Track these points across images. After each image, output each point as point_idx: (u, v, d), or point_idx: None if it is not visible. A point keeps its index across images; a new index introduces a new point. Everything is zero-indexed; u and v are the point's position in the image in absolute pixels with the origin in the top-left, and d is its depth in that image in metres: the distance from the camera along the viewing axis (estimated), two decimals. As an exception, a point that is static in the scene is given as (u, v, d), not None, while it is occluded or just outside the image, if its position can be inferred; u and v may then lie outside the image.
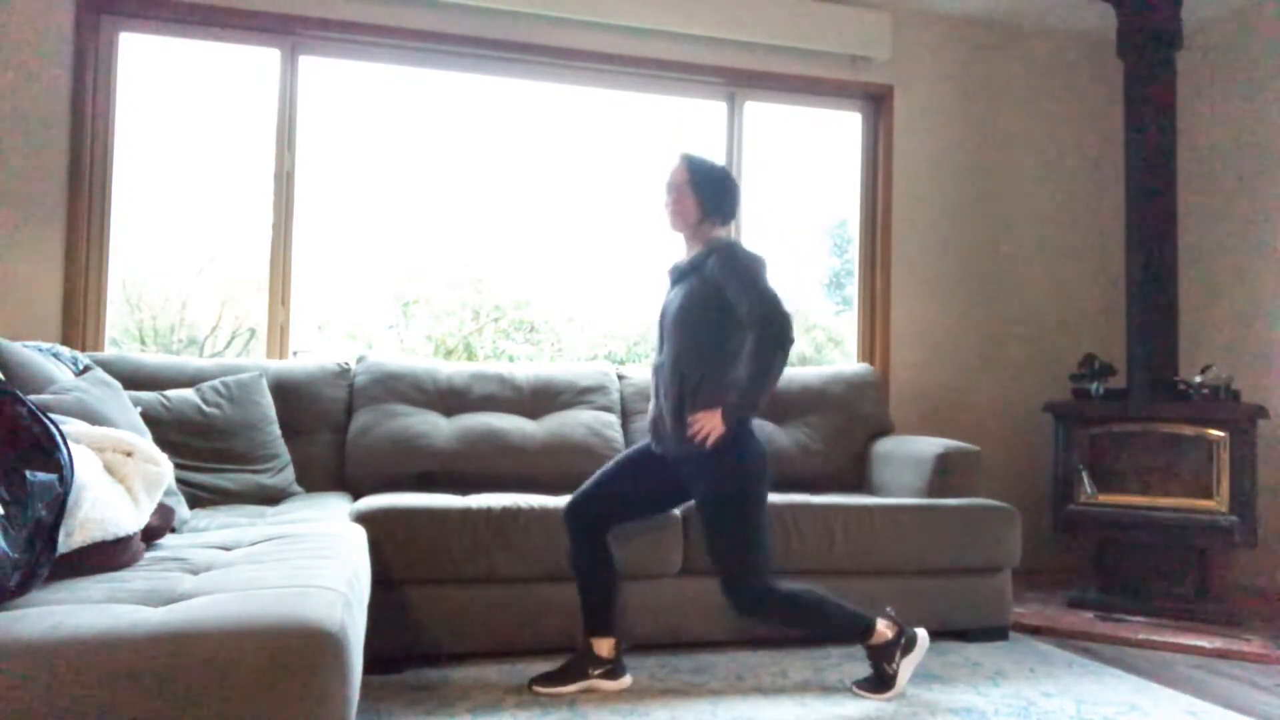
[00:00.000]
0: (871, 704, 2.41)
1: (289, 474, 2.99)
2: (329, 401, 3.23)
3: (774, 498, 2.91)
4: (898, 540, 2.95)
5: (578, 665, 2.48)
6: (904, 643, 2.48)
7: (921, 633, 2.54)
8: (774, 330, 2.33)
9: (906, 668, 2.47)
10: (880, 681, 2.46)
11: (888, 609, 2.58)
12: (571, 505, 2.58)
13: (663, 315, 2.61)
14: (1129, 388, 3.71)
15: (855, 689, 2.50)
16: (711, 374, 2.45)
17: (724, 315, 2.45)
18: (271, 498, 2.87)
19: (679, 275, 2.60)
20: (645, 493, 2.62)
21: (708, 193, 2.57)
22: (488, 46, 3.71)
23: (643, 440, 2.68)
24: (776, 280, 2.46)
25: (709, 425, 2.38)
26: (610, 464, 2.64)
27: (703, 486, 2.45)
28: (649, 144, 4.13)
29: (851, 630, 2.46)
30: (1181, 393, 3.54)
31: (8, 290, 3.25)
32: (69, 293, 3.30)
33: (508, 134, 3.96)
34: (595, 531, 2.55)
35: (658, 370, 2.59)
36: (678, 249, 2.69)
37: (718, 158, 4.10)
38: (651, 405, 2.62)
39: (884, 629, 2.48)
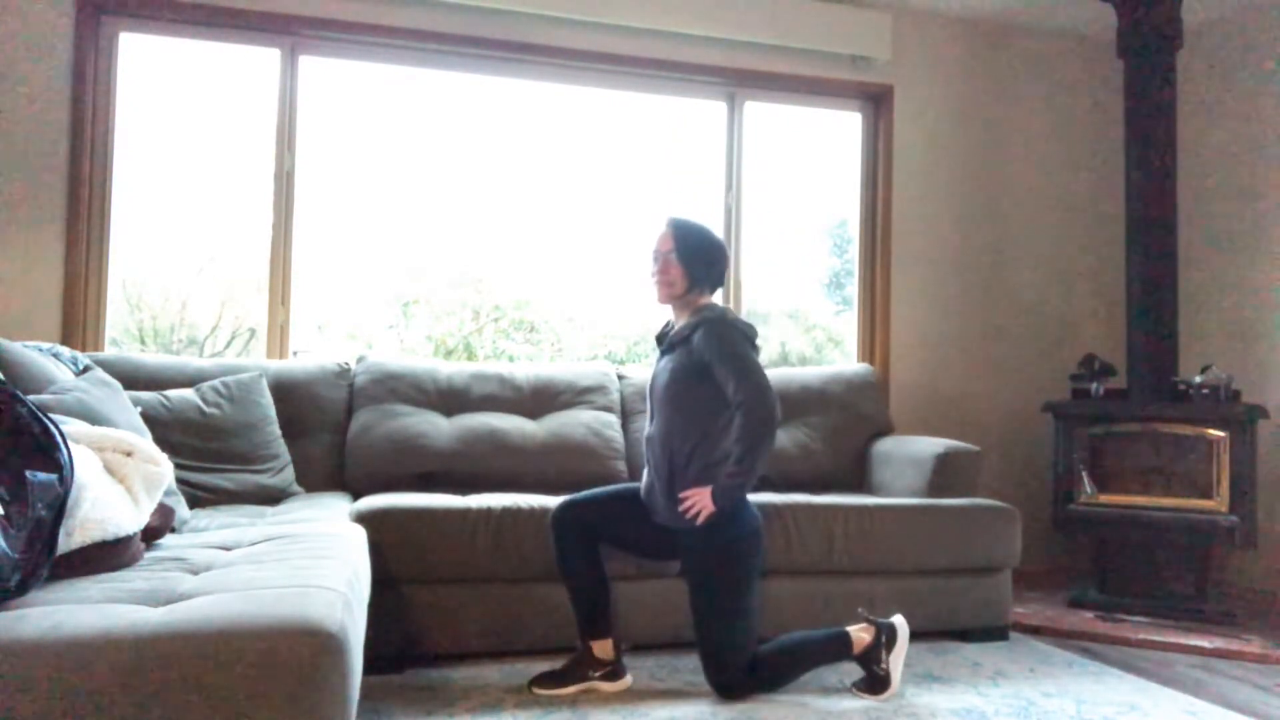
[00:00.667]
0: (871, 703, 2.41)
1: (289, 474, 2.99)
2: (329, 401, 3.23)
3: (774, 498, 2.92)
4: (898, 540, 2.95)
5: (577, 668, 2.47)
6: (885, 640, 2.47)
7: (898, 621, 2.52)
8: (759, 415, 2.34)
9: (896, 663, 2.46)
10: (875, 683, 2.46)
11: (859, 610, 2.59)
12: (564, 507, 2.56)
13: (652, 385, 2.60)
14: (1129, 388, 3.71)
15: (854, 690, 2.50)
16: (702, 448, 2.45)
17: (712, 389, 2.44)
18: (271, 498, 2.87)
19: (668, 346, 2.57)
20: (643, 535, 2.59)
21: (695, 261, 2.54)
22: (488, 46, 3.71)
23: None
24: (761, 360, 2.49)
25: (700, 504, 2.38)
26: (619, 487, 2.63)
27: (693, 561, 2.46)
28: (649, 144, 4.13)
29: (833, 652, 2.46)
30: (1181, 393, 3.54)
31: (8, 290, 3.25)
32: (69, 293, 3.30)
33: (507, 134, 3.96)
34: (585, 536, 2.53)
35: (649, 442, 2.58)
36: (665, 315, 2.68)
37: (718, 158, 4.12)
38: (645, 474, 2.60)
39: (861, 634, 2.47)
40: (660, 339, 2.65)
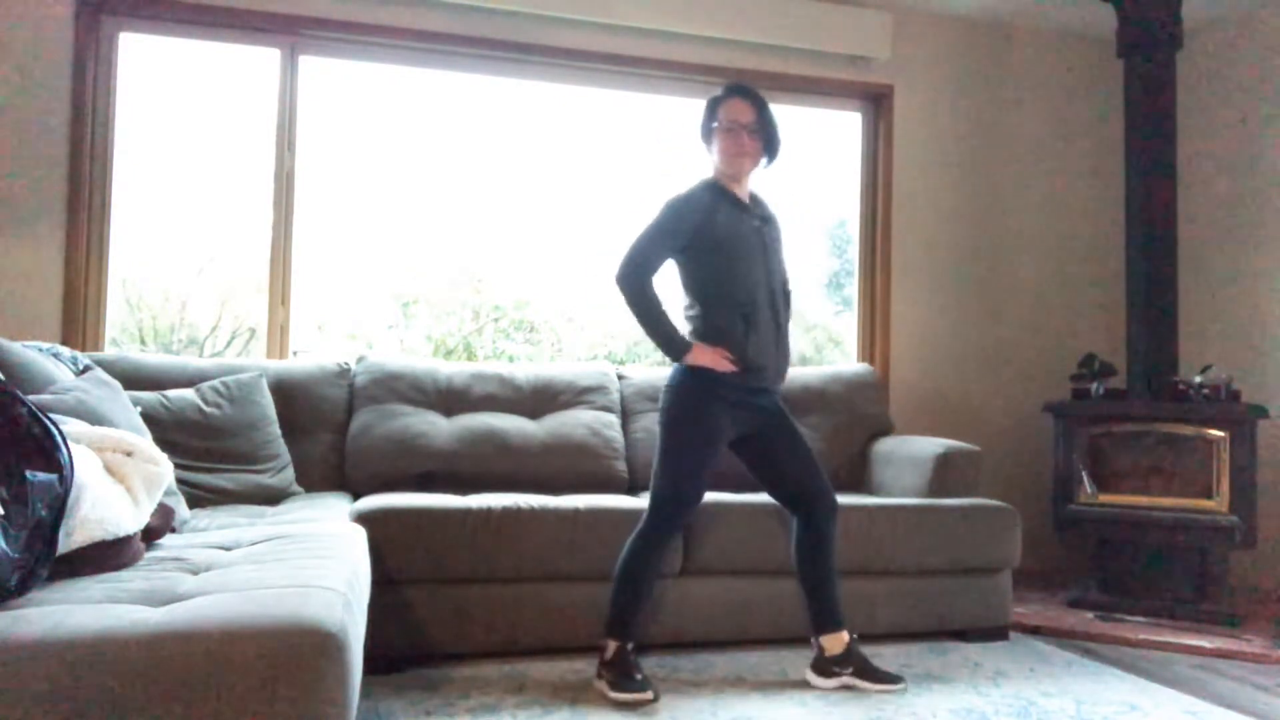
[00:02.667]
0: (871, 703, 2.41)
1: (289, 474, 2.99)
2: (329, 401, 3.23)
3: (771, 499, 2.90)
4: (898, 540, 2.95)
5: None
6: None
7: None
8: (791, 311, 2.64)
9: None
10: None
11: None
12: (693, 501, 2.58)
13: (751, 243, 2.52)
14: (1129, 388, 3.71)
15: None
16: None
17: None
18: (271, 498, 2.87)
19: (764, 217, 2.59)
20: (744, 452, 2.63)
21: (773, 134, 2.58)
22: (488, 46, 3.71)
23: (695, 432, 2.49)
24: None
25: None
26: (707, 454, 2.50)
27: (780, 416, 2.58)
28: (649, 144, 4.12)
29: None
30: (1181, 393, 3.54)
31: (8, 290, 3.25)
32: (69, 293, 3.30)
33: (507, 134, 3.96)
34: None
35: (771, 298, 2.54)
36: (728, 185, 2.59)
37: (718, 158, 4.11)
38: (756, 338, 2.49)
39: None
40: (734, 200, 2.55)
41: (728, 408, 2.49)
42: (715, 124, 2.56)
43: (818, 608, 2.57)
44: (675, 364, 2.53)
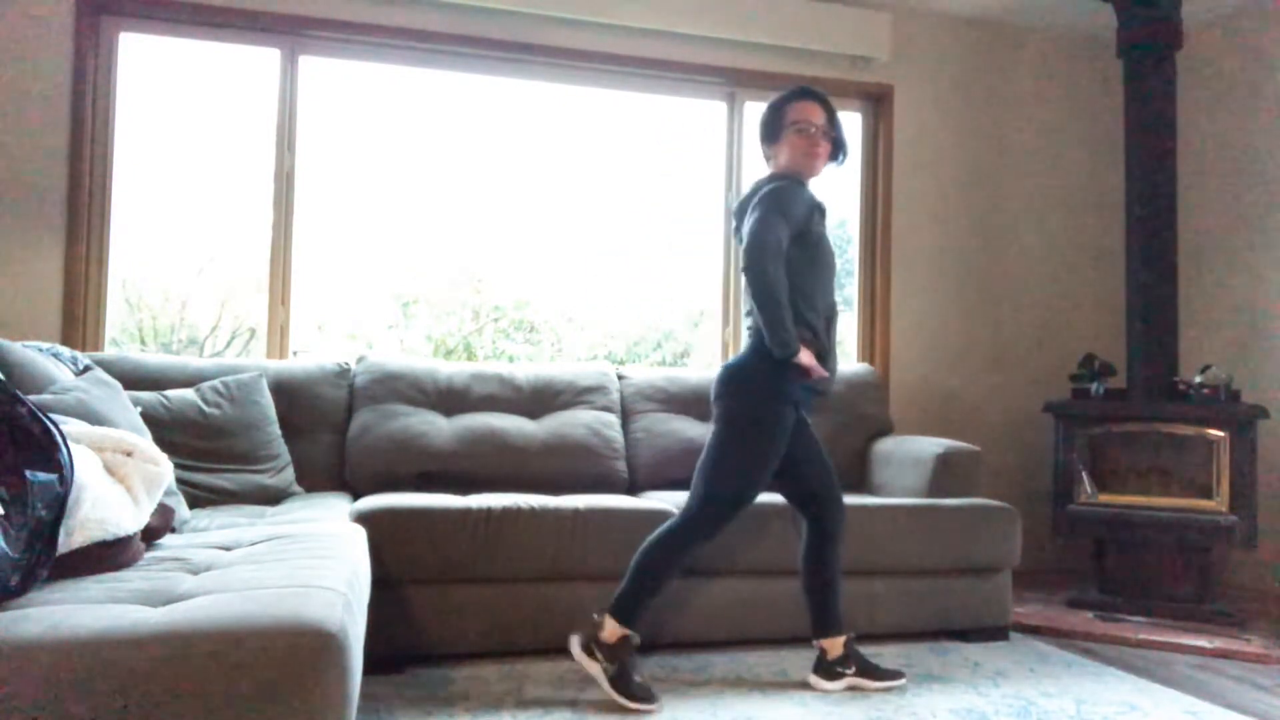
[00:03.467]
0: (871, 703, 2.41)
1: (289, 474, 2.99)
2: (329, 401, 3.23)
3: (774, 499, 2.91)
4: (898, 540, 2.95)
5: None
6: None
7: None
8: None
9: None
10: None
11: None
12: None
13: (831, 250, 2.55)
14: (1129, 388, 3.71)
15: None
16: None
17: None
18: (271, 498, 2.87)
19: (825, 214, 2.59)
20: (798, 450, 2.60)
21: (843, 136, 2.58)
22: (488, 46, 3.71)
23: (769, 430, 2.45)
24: None
25: None
26: (777, 457, 2.48)
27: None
28: (649, 144, 4.13)
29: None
30: (1181, 393, 3.54)
31: (8, 290, 3.25)
32: (69, 293, 3.30)
33: (507, 134, 3.96)
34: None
35: (831, 309, 2.55)
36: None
37: (718, 158, 4.12)
38: (830, 344, 2.53)
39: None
40: (818, 206, 2.56)
41: (794, 410, 2.49)
42: (785, 124, 2.54)
43: (820, 612, 2.57)
44: (747, 355, 2.47)
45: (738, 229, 2.61)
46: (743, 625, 2.87)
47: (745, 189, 2.66)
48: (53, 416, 1.58)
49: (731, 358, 2.57)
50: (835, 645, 2.55)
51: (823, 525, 2.58)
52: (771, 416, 2.43)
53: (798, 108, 2.54)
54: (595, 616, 2.42)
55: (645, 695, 2.32)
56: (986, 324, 4.34)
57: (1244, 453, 3.39)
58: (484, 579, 2.66)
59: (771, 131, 2.58)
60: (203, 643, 1.22)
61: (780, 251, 2.38)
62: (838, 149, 2.59)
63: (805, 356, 2.39)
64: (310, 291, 3.71)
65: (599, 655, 2.36)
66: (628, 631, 2.37)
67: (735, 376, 2.49)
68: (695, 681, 2.55)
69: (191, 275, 3.71)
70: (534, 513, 2.69)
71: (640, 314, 4.28)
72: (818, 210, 2.53)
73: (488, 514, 2.65)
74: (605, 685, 2.33)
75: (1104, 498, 3.59)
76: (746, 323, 2.56)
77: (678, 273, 4.17)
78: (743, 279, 2.49)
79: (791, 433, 2.51)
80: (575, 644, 2.39)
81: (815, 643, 2.58)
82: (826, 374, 2.46)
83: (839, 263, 4.36)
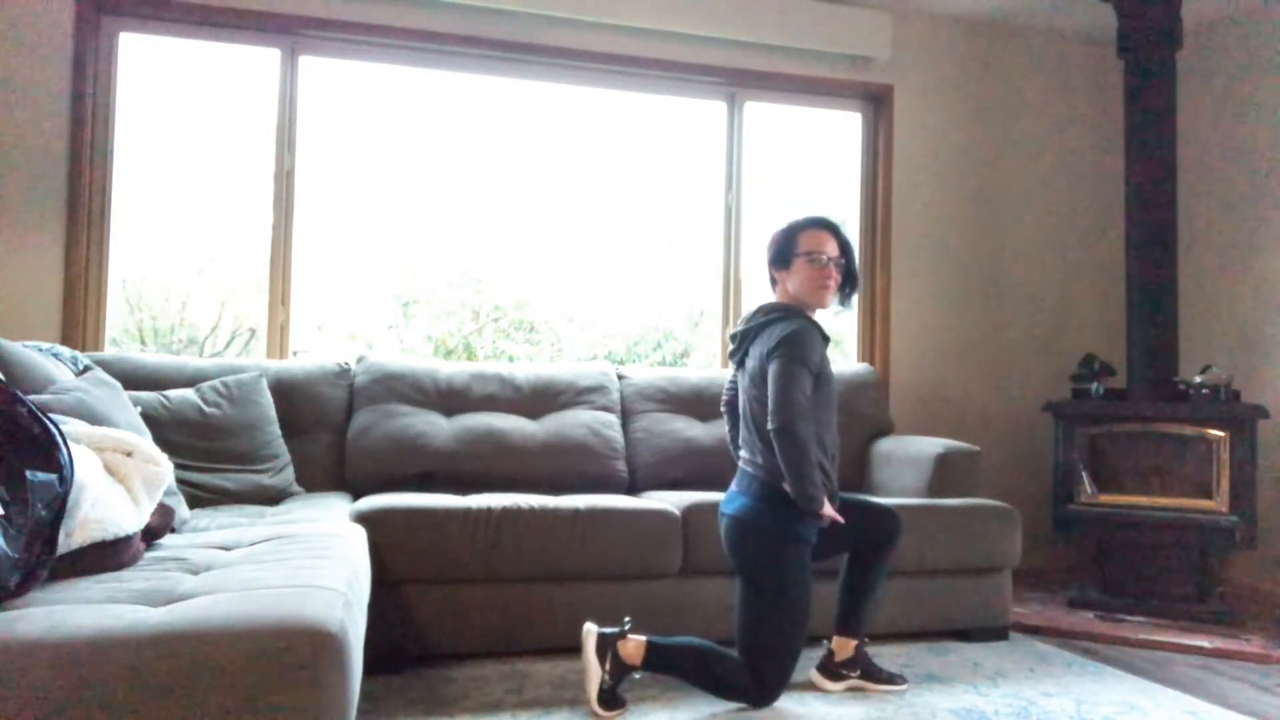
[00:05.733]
0: (872, 703, 2.41)
1: (289, 474, 2.99)
2: (329, 401, 3.23)
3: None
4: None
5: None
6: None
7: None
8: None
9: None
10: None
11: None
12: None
13: (834, 389, 2.51)
14: (1129, 388, 3.71)
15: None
16: None
17: None
18: (271, 498, 2.87)
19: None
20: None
21: (855, 267, 2.54)
22: (488, 46, 3.71)
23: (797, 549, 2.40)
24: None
25: None
26: (807, 597, 2.40)
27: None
28: (649, 144, 4.13)
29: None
30: (1181, 393, 3.54)
31: (8, 290, 3.25)
32: (69, 293, 3.30)
33: (507, 134, 3.96)
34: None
35: (834, 444, 2.51)
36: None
37: (718, 158, 4.12)
38: (829, 486, 2.45)
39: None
40: (823, 334, 2.51)
41: (808, 546, 2.43)
42: (797, 252, 2.49)
43: (849, 611, 2.55)
44: (755, 504, 2.39)
45: (735, 355, 2.55)
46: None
47: (749, 314, 2.55)
48: (53, 416, 1.58)
49: (731, 503, 2.45)
50: (846, 647, 2.54)
51: (881, 539, 2.54)
52: (795, 559, 2.36)
53: (810, 236, 2.49)
54: (627, 625, 2.34)
55: (620, 704, 2.32)
56: (986, 324, 4.34)
57: (1244, 453, 3.39)
58: (484, 579, 2.66)
59: (782, 257, 2.52)
60: (203, 643, 1.22)
61: (809, 408, 2.33)
62: (847, 282, 2.53)
63: (828, 508, 2.35)
64: (310, 291, 3.71)
65: (608, 664, 2.31)
66: (640, 665, 2.33)
67: (752, 532, 2.38)
68: (695, 681, 2.55)
69: (191, 275, 3.71)
70: (534, 513, 2.69)
71: (640, 314, 4.28)
72: (826, 346, 2.50)
73: (488, 514, 2.65)
74: (594, 691, 2.29)
75: (1104, 498, 3.59)
76: (743, 459, 2.49)
77: (678, 273, 4.17)
78: (739, 398, 2.48)
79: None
80: (592, 636, 2.32)
81: (827, 640, 2.57)
82: (840, 519, 2.40)
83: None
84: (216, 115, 3.62)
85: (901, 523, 2.58)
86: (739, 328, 2.57)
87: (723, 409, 2.76)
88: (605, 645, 2.31)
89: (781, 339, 2.36)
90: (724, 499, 2.50)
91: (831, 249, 2.49)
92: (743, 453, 2.51)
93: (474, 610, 2.65)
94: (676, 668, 2.35)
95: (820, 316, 2.56)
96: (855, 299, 2.60)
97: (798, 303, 2.50)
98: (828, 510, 2.34)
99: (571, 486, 3.19)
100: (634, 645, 2.31)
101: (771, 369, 2.34)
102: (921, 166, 4.26)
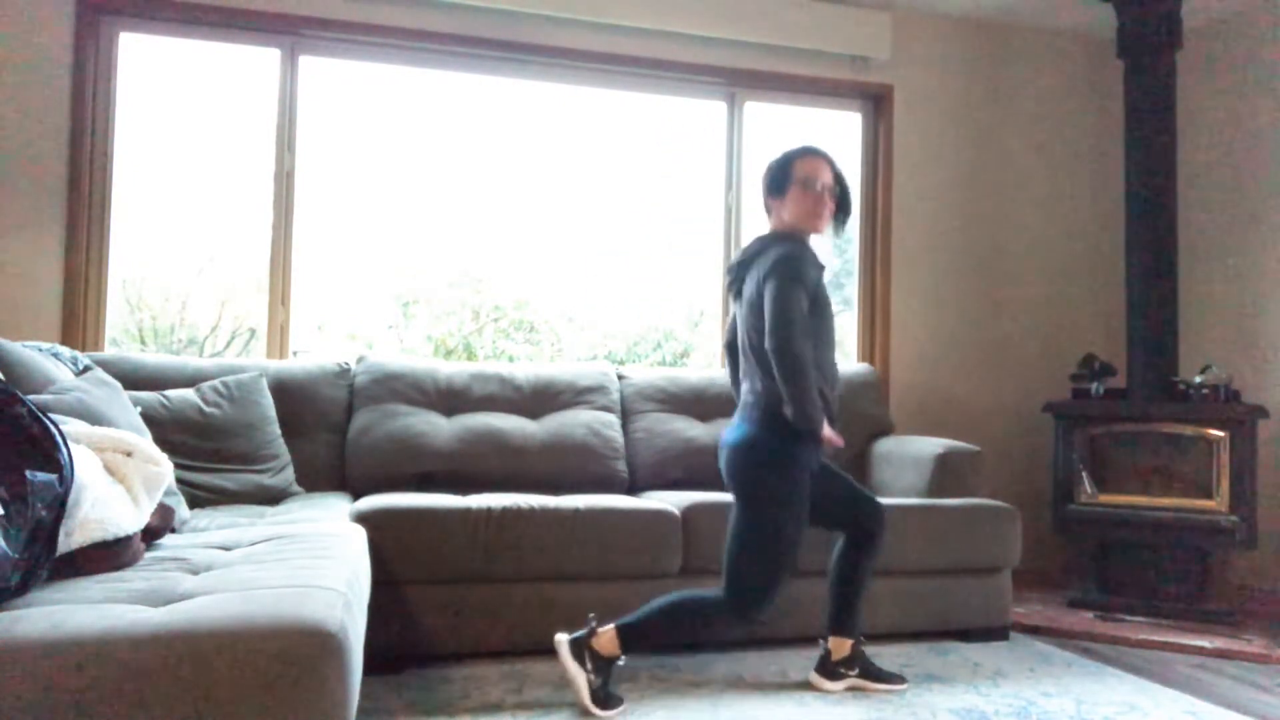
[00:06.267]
0: (872, 703, 2.41)
1: (289, 474, 2.99)
2: (329, 401, 3.23)
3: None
4: (898, 540, 2.95)
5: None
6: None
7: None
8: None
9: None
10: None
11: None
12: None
13: (832, 314, 2.52)
14: (1129, 388, 3.71)
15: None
16: None
17: None
18: (271, 498, 2.87)
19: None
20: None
21: (848, 195, 2.56)
22: (488, 46, 3.71)
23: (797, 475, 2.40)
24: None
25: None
26: (801, 531, 2.41)
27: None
28: (649, 144, 4.13)
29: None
30: (1181, 393, 3.54)
31: (8, 290, 3.25)
32: (69, 293, 3.30)
33: (507, 134, 3.96)
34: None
35: (835, 366, 2.52)
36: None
37: (718, 158, 4.12)
38: (828, 410, 2.45)
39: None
40: (821, 266, 2.51)
41: (809, 476, 2.44)
42: (792, 180, 2.49)
43: (840, 610, 2.56)
44: (755, 429, 2.39)
45: (735, 284, 2.56)
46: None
47: (745, 245, 2.58)
48: (53, 416, 1.58)
49: (732, 433, 2.47)
50: (843, 646, 2.55)
51: (864, 532, 2.56)
52: (794, 487, 2.37)
53: (805, 163, 2.50)
54: (593, 622, 2.35)
55: (616, 702, 2.32)
56: (986, 324, 4.34)
57: (1244, 453, 3.39)
58: (484, 579, 2.66)
59: (778, 185, 2.53)
60: (202, 643, 1.22)
61: (806, 325, 2.33)
62: (841, 210, 2.56)
63: (827, 430, 2.36)
64: (310, 291, 3.71)
65: (588, 664, 2.31)
66: (620, 652, 2.34)
67: (749, 455, 2.38)
68: (695, 681, 2.55)
69: (191, 275, 3.71)
70: (534, 513, 2.69)
71: (640, 314, 4.29)
72: (823, 270, 2.50)
73: (488, 514, 2.65)
74: (584, 694, 2.28)
75: (1104, 498, 3.59)
76: (744, 389, 2.49)
77: (678, 273, 4.17)
78: (739, 341, 2.48)
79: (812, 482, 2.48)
80: (564, 645, 2.33)
81: (823, 640, 2.58)
82: (841, 442, 2.42)
83: (839, 262, 4.37)
84: (216, 115, 3.63)
85: (885, 515, 2.59)
86: (735, 259, 2.59)
87: (723, 349, 2.79)
88: (579, 648, 2.33)
89: (776, 260, 2.37)
90: (725, 433, 2.50)
91: (826, 176, 2.50)
92: (744, 386, 2.52)
93: (474, 610, 2.65)
94: (656, 636, 2.36)
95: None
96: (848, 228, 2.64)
97: (793, 230, 2.51)
98: (827, 432, 2.35)
99: (571, 486, 3.19)
100: (606, 637, 2.33)
101: (768, 289, 2.35)
102: (921, 166, 4.26)
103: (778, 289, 2.32)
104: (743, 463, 2.39)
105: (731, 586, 2.37)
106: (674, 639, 2.40)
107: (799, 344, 2.29)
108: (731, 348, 2.70)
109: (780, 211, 2.53)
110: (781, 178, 2.53)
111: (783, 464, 2.36)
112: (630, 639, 2.34)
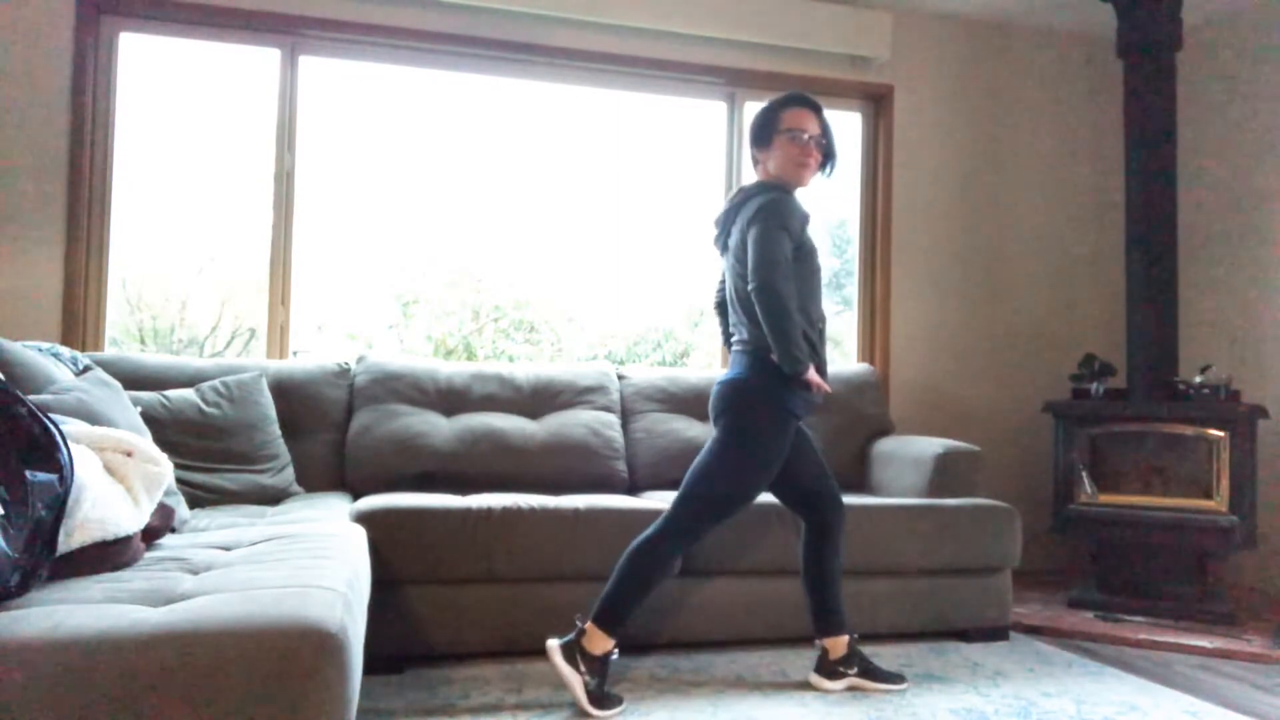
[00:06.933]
0: (871, 703, 2.41)
1: (289, 474, 2.99)
2: (329, 401, 3.23)
3: (774, 499, 2.91)
4: (898, 540, 2.95)
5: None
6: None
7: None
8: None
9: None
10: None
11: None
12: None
13: (818, 263, 2.53)
14: (1129, 388, 3.71)
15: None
16: None
17: None
18: (271, 498, 2.87)
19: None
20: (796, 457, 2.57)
21: (834, 145, 2.56)
22: (488, 46, 3.71)
23: (778, 434, 2.43)
24: None
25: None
26: (774, 468, 2.45)
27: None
28: (649, 144, 4.13)
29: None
30: (1181, 393, 3.54)
31: (8, 290, 3.25)
32: (69, 293, 3.30)
33: (507, 134, 3.96)
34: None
35: (821, 319, 2.53)
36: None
37: (718, 158, 4.12)
38: (815, 357, 2.47)
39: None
40: (807, 216, 2.52)
41: (795, 422, 2.47)
42: (778, 130, 2.50)
43: (822, 611, 2.56)
44: (745, 371, 2.43)
45: (721, 237, 2.58)
46: (743, 625, 2.87)
47: (730, 196, 2.60)
48: (53, 416, 1.58)
49: (726, 374, 2.51)
50: (838, 645, 2.55)
51: (821, 522, 2.57)
52: (778, 431, 2.40)
53: (792, 114, 2.51)
54: (579, 623, 2.36)
55: (614, 702, 2.32)
56: (986, 324, 4.34)
57: (1244, 453, 3.39)
58: (484, 579, 2.66)
59: (764, 136, 2.53)
60: (202, 643, 1.22)
61: (789, 268, 2.36)
62: (828, 159, 2.57)
63: (812, 373, 2.38)
64: (310, 291, 3.71)
65: (581, 665, 2.31)
66: (612, 644, 2.34)
67: (738, 394, 2.43)
68: (695, 681, 2.55)
69: (191, 275, 3.71)
70: (534, 513, 2.69)
71: (640, 314, 4.29)
72: (808, 220, 2.52)
73: (488, 514, 2.65)
74: (581, 696, 2.28)
75: (1104, 498, 3.59)
76: (735, 339, 2.52)
77: (678, 273, 4.17)
78: (723, 289, 2.47)
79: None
80: (556, 649, 2.33)
81: (818, 642, 2.58)
82: (828, 387, 2.45)
83: (839, 263, 4.37)
84: (216, 115, 3.63)
85: (843, 510, 2.60)
86: (720, 211, 2.60)
87: (714, 310, 2.80)
88: (570, 651, 2.33)
89: (760, 206, 2.40)
90: (716, 383, 2.53)
91: (813, 127, 2.50)
92: (734, 337, 2.54)
93: (474, 610, 2.65)
94: (625, 600, 2.35)
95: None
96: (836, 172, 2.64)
97: (779, 181, 2.52)
98: (813, 376, 2.37)
99: (571, 486, 3.19)
100: (591, 633, 2.33)
101: (751, 233, 2.37)
102: (921, 166, 4.26)
103: (760, 233, 2.35)
104: (732, 397, 2.43)
105: (677, 508, 2.40)
106: (639, 591, 2.37)
107: (781, 284, 2.31)
108: (721, 306, 2.71)
109: (766, 162, 2.54)
110: (768, 128, 2.53)
111: (770, 405, 2.40)
112: (608, 621, 2.34)
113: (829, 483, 2.60)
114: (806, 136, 2.48)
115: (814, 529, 2.58)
